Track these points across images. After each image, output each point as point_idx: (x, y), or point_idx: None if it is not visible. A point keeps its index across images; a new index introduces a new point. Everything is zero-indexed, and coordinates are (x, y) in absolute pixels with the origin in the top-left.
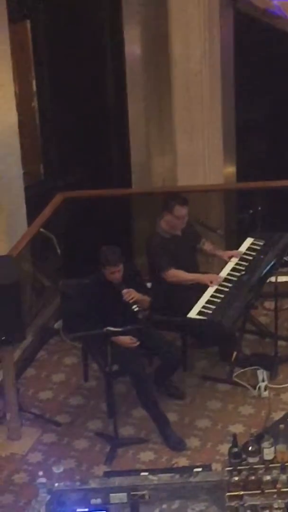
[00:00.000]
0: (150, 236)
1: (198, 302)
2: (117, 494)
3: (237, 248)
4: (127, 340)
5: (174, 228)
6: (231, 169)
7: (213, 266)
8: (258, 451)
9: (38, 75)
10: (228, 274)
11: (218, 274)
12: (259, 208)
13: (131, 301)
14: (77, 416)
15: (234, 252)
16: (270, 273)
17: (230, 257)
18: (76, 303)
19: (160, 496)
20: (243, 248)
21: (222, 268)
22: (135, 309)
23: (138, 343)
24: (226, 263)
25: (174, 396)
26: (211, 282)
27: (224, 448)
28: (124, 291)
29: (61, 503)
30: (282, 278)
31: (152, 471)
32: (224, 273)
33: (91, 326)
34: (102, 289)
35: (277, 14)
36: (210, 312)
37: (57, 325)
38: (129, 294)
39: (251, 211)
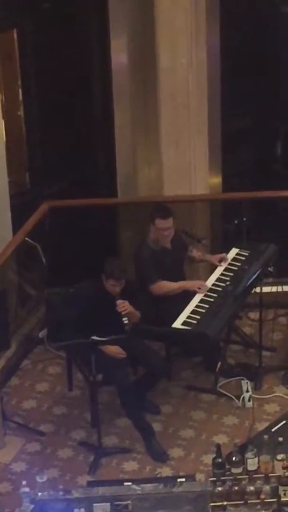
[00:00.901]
0: (139, 246)
1: (183, 312)
2: (100, 504)
3: None
4: (114, 350)
5: (161, 241)
6: (217, 179)
7: (199, 277)
8: (242, 462)
9: (24, 84)
10: (213, 285)
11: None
12: (245, 219)
13: (123, 313)
14: (61, 426)
15: (223, 254)
16: (255, 283)
17: (220, 260)
18: (61, 312)
19: (143, 506)
20: (229, 258)
21: (207, 279)
22: (125, 321)
23: (125, 354)
24: (211, 273)
25: (150, 411)
26: (199, 288)
27: (208, 458)
28: (119, 301)
29: None
30: (266, 289)
31: (135, 481)
32: (209, 283)
33: (76, 335)
34: (97, 297)
35: None
36: (195, 322)
37: (42, 334)
38: (124, 305)
39: (236, 222)
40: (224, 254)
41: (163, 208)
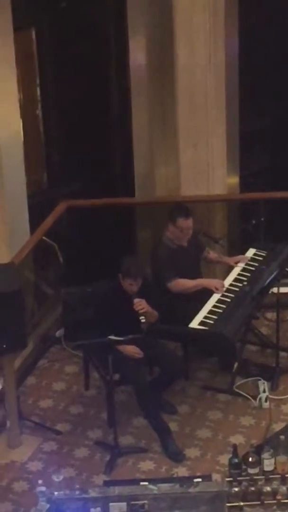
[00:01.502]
0: (156, 245)
1: (200, 312)
2: (116, 504)
3: None
4: (131, 349)
5: (179, 239)
6: (235, 179)
7: (216, 277)
8: (258, 462)
9: (43, 83)
10: (230, 285)
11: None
12: (262, 219)
13: (140, 311)
14: (77, 425)
15: (240, 257)
16: (272, 284)
17: (237, 263)
18: (78, 311)
19: (159, 506)
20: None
21: (224, 279)
22: (142, 320)
23: (142, 354)
24: (228, 274)
25: (167, 411)
26: (216, 289)
27: (224, 458)
28: (136, 300)
29: None
30: (284, 289)
31: (152, 481)
32: (226, 283)
33: (92, 335)
34: (115, 296)
35: None
36: (212, 322)
37: (59, 333)
38: (141, 304)
39: (254, 222)
40: (241, 256)
41: (185, 207)
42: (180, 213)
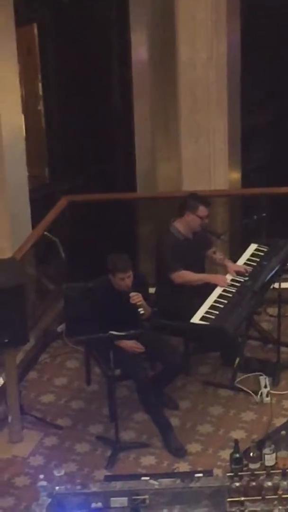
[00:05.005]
0: (163, 235)
1: (201, 307)
2: (118, 499)
3: (241, 254)
4: (132, 344)
5: (192, 229)
6: (236, 175)
7: (218, 271)
8: (260, 457)
9: (45, 78)
10: (232, 280)
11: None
12: (264, 214)
13: (138, 303)
14: (78, 420)
15: (240, 267)
16: (273, 279)
17: (237, 273)
18: (80, 306)
19: (161, 501)
20: (247, 254)
21: (226, 274)
22: (141, 312)
23: (143, 349)
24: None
25: (169, 406)
26: (221, 285)
27: (226, 453)
28: (132, 293)
29: (61, 507)
30: (285, 285)
31: (153, 476)
32: (228, 278)
33: (94, 330)
34: (107, 294)
35: None
36: (213, 317)
37: (60, 328)
38: (138, 297)
39: (255, 217)
40: (242, 268)
41: (203, 196)
42: (201, 201)
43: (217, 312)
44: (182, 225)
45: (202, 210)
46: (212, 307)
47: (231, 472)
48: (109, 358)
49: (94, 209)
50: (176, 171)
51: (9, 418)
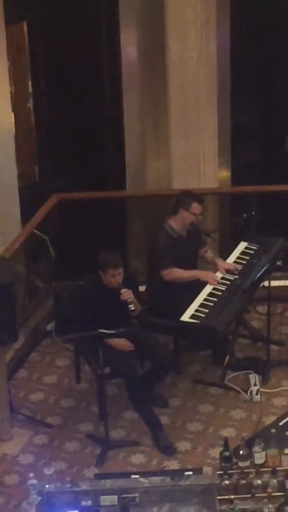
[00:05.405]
0: (156, 232)
1: (191, 305)
2: (107, 497)
3: (231, 252)
4: (122, 342)
5: (185, 227)
6: (226, 173)
7: (208, 269)
8: (249, 455)
9: (34, 76)
10: (222, 278)
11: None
12: (253, 213)
13: (128, 300)
14: (68, 418)
15: (231, 266)
16: (263, 277)
17: (228, 272)
18: (69, 305)
19: (150, 499)
20: (237, 252)
21: (216, 272)
22: (131, 308)
23: (133, 347)
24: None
25: (158, 404)
26: (211, 282)
27: (215, 452)
28: (123, 290)
29: (51, 505)
30: (275, 283)
31: (143, 474)
32: (218, 276)
33: (83, 328)
34: (97, 292)
35: None
36: (203, 315)
37: (50, 326)
38: (128, 293)
39: (245, 215)
40: (232, 266)
41: (196, 193)
42: (195, 198)
43: (207, 310)
44: (176, 223)
45: (196, 207)
46: (202, 305)
47: (221, 470)
48: (99, 356)
49: (84, 207)
50: (166, 169)
51: None
